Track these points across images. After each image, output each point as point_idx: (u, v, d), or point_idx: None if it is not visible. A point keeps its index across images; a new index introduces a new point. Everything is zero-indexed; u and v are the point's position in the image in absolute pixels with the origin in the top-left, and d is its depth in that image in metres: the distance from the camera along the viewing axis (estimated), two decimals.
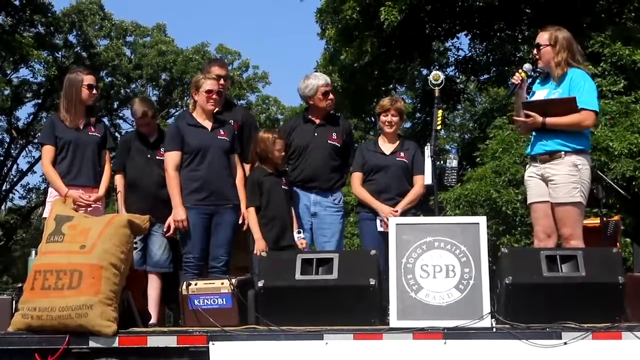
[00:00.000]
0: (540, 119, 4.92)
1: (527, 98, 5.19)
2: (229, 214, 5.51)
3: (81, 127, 5.62)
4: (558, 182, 4.91)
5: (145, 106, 5.89)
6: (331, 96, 6.06)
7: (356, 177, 5.93)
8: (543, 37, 5.09)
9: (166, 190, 5.60)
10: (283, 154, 5.71)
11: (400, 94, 23.36)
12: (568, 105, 4.89)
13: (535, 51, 5.14)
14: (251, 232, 5.67)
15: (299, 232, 5.62)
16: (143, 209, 5.40)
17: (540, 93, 5.14)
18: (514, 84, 5.14)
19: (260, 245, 5.41)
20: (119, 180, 5.84)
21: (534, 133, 5.14)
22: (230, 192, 5.56)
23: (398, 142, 5.97)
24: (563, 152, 4.93)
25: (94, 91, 5.69)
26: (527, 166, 5.27)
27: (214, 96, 5.60)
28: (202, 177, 5.49)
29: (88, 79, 5.64)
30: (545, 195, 5.00)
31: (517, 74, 5.15)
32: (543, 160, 5.01)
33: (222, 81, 5.97)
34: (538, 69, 5.18)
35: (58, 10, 24.90)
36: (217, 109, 5.73)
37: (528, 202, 5.24)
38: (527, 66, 5.17)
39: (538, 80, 5.29)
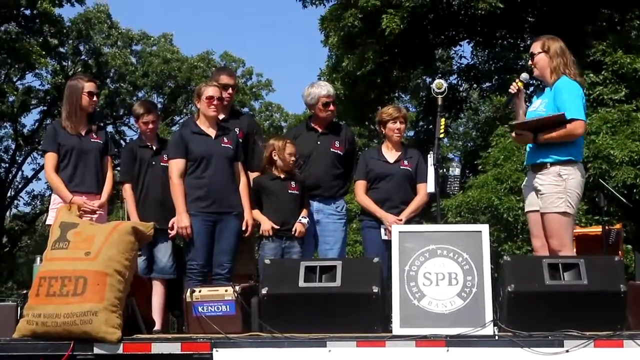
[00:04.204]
0: (530, 136, 5.00)
1: (527, 107, 5.24)
2: (233, 221, 5.52)
3: (83, 134, 5.64)
4: (544, 192, 4.96)
5: (148, 105, 6.06)
6: (332, 107, 6.06)
7: (360, 185, 5.94)
8: (536, 46, 5.16)
9: None
10: (294, 158, 5.74)
11: (404, 102, 23.40)
12: (558, 120, 4.92)
13: (530, 61, 5.19)
14: (255, 239, 5.74)
15: (304, 218, 5.65)
16: (155, 216, 5.47)
17: (536, 103, 5.19)
18: (510, 93, 5.22)
19: (266, 225, 5.58)
20: (128, 189, 5.83)
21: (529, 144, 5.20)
22: (234, 199, 5.58)
23: (402, 150, 5.98)
24: (548, 163, 4.97)
25: (94, 98, 5.72)
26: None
27: (215, 102, 5.62)
28: (206, 185, 5.50)
29: (89, 86, 5.66)
30: (536, 205, 5.05)
31: (514, 83, 5.22)
32: (533, 170, 5.09)
33: (229, 90, 6.02)
34: (535, 78, 5.27)
35: (66, 18, 25.10)
36: (219, 115, 5.75)
37: (525, 211, 5.31)
38: (524, 76, 5.23)
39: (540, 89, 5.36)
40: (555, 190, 4.91)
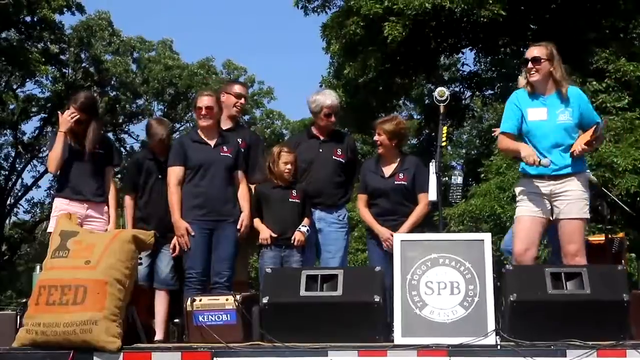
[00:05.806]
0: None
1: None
2: (230, 229, 5.51)
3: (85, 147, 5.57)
4: (572, 198, 4.94)
5: (164, 129, 5.84)
6: (332, 119, 6.03)
7: (361, 199, 5.88)
8: (542, 51, 5.01)
9: None
10: (289, 167, 5.70)
11: (407, 110, 23.40)
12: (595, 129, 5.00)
13: (531, 64, 5.00)
14: (251, 247, 5.73)
15: (304, 226, 5.63)
16: (158, 229, 5.40)
17: (539, 111, 5.02)
18: None
19: (265, 234, 5.55)
20: (128, 201, 5.74)
21: (537, 149, 5.10)
22: (232, 207, 5.57)
23: (398, 160, 5.82)
24: (578, 172, 5.01)
25: (69, 117, 5.47)
26: (522, 181, 5.16)
27: (204, 112, 5.61)
28: (204, 193, 5.51)
29: (72, 101, 5.56)
30: (541, 212, 4.97)
31: None
32: (554, 178, 4.99)
33: (242, 100, 6.15)
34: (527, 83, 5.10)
35: (67, 26, 25.17)
36: (212, 124, 5.68)
37: (518, 214, 5.11)
38: None
39: (526, 96, 5.11)
40: (584, 197, 4.98)
